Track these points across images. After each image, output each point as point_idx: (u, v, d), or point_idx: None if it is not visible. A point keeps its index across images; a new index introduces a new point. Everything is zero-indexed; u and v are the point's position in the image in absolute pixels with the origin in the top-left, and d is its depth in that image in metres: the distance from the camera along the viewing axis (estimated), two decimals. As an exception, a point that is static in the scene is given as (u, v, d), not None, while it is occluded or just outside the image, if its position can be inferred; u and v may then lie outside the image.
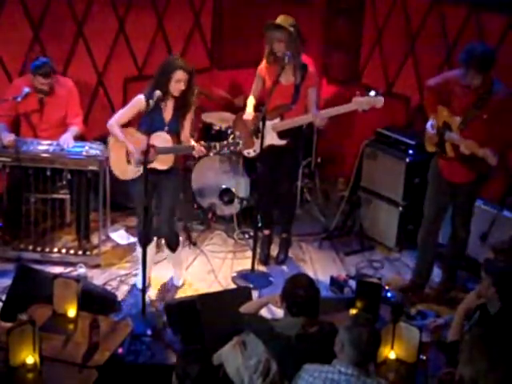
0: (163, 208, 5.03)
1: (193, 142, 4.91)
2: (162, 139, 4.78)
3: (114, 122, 4.88)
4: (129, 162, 4.93)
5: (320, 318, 3.73)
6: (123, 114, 4.90)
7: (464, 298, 4.07)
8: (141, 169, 4.73)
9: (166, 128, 4.82)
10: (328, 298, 5.03)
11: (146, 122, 4.70)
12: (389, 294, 5.02)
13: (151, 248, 5.19)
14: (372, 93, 5.05)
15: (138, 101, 4.80)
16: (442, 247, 5.43)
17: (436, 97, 5.01)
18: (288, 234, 5.87)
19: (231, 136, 5.84)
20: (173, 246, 5.22)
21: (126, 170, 4.97)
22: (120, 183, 5.15)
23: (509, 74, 5.29)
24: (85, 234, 5.67)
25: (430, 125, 5.00)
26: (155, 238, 5.34)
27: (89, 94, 6.44)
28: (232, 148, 4.84)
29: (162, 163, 4.83)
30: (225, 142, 4.86)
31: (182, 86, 4.74)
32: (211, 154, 5.09)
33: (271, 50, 5.28)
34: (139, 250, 5.05)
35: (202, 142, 4.85)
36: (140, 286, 4.96)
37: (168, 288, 5.29)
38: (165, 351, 4.52)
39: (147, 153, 4.56)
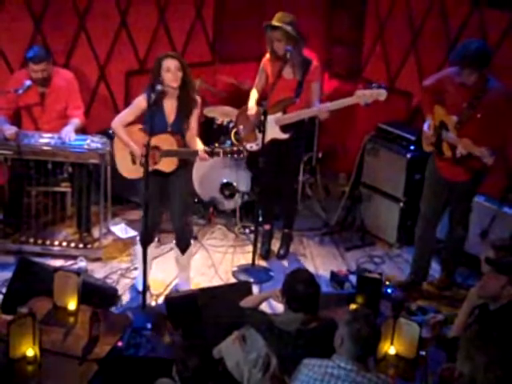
0: (174, 206, 4.96)
1: (199, 143, 4.82)
2: (165, 141, 4.69)
3: (118, 123, 4.81)
4: (134, 162, 4.85)
5: (320, 314, 3.74)
6: (126, 115, 4.84)
7: (464, 295, 4.07)
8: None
9: (169, 129, 4.74)
10: (328, 293, 5.02)
11: (149, 121, 4.62)
12: (389, 290, 5.02)
13: (151, 247, 5.08)
14: (374, 85, 5.04)
15: (139, 102, 4.74)
16: (440, 242, 5.44)
17: (432, 97, 4.99)
18: (289, 229, 5.86)
19: (234, 130, 5.82)
20: (182, 246, 5.08)
21: (132, 170, 4.88)
22: (121, 177, 5.12)
23: (511, 71, 5.28)
24: (86, 228, 5.67)
25: (426, 125, 5.00)
26: (156, 239, 5.30)
27: (90, 87, 6.43)
28: (236, 156, 4.73)
29: (166, 166, 4.74)
30: (228, 149, 4.73)
31: (177, 74, 4.61)
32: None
33: (272, 49, 5.28)
34: (139, 248, 4.99)
35: (206, 148, 4.72)
36: (140, 287, 4.89)
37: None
38: (165, 345, 4.52)
39: (147, 155, 4.47)
